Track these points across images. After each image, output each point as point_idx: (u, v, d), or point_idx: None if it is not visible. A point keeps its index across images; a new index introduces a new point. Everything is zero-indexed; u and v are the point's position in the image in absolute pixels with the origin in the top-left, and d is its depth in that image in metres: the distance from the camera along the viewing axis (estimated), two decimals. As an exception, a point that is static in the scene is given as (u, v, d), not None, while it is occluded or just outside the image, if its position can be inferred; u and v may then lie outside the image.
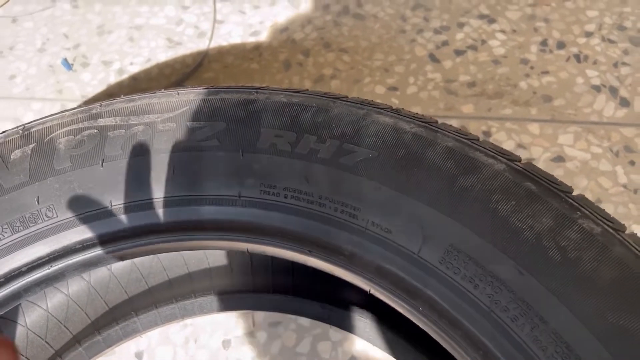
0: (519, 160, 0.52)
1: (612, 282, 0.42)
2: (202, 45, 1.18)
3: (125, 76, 1.15)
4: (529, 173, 0.50)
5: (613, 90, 0.97)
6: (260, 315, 0.83)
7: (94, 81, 1.15)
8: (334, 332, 0.80)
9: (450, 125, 0.57)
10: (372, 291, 0.53)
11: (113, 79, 1.15)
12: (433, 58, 1.06)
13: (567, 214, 0.45)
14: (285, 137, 0.53)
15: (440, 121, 0.56)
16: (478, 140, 0.54)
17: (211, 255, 0.85)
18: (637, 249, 0.45)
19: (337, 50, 1.11)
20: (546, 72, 1.01)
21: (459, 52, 1.07)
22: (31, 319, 0.82)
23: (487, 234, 0.46)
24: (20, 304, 0.81)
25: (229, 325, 0.83)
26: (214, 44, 1.17)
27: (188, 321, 0.84)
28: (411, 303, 0.50)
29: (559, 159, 0.90)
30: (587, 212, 0.47)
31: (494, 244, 0.45)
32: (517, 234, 0.45)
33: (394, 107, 0.58)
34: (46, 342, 0.81)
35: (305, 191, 0.52)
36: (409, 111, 0.57)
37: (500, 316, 0.45)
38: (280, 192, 0.53)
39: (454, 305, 0.47)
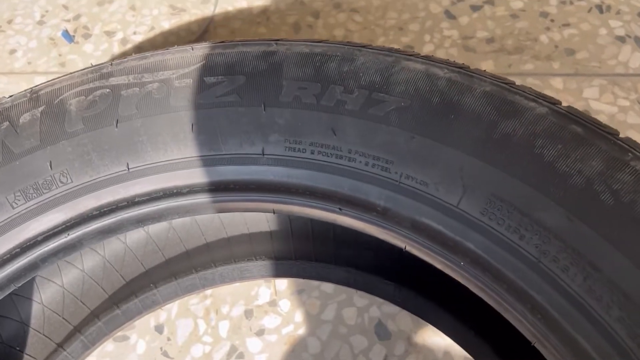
0: (560, 103, 0.49)
1: (671, 225, 0.40)
2: (207, 11, 1.14)
3: (129, 46, 1.11)
4: (573, 116, 0.47)
5: (639, 41, 0.93)
6: (282, 283, 0.81)
7: (97, 52, 1.11)
8: (359, 298, 0.78)
9: (484, 70, 0.54)
10: (408, 248, 0.51)
11: (117, 49, 1.11)
12: (449, 14, 1.03)
13: (617, 156, 0.43)
14: (309, 88, 0.51)
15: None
16: (515, 84, 0.51)
17: (229, 225, 0.83)
18: (695, 191, 0.42)
19: (348, 10, 1.07)
20: (567, 25, 0.98)
21: (475, 7, 1.03)
22: (47, 295, 0.81)
23: (532, 180, 0.44)
24: (35, 281, 0.79)
25: (250, 294, 0.81)
26: (219, 9, 1.14)
27: (208, 292, 0.82)
28: (451, 258, 0.49)
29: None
30: (638, 153, 0.44)
31: (540, 191, 0.43)
32: (565, 179, 0.43)
33: (422, 54, 0.55)
34: (64, 318, 0.80)
35: (333, 145, 0.50)
36: (440, 57, 0.54)
37: (550, 267, 0.43)
38: (306, 148, 0.51)
39: (498, 258, 0.46)
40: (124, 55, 1.10)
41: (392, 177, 0.49)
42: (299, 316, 0.78)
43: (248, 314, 0.79)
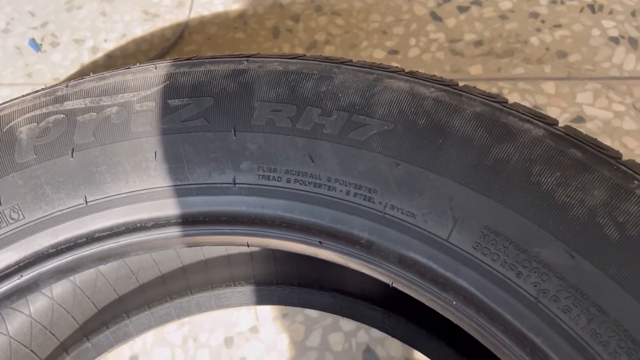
0: (557, 123, 0.46)
1: (684, 262, 0.37)
2: (181, 16, 1.10)
3: (99, 54, 1.06)
4: (572, 137, 0.44)
5: (633, 42, 0.90)
6: (264, 307, 0.76)
7: (66, 62, 1.06)
8: (346, 322, 0.74)
9: (474, 87, 0.49)
10: (395, 284, 0.47)
11: (87, 58, 1.06)
12: (435, 16, 0.99)
13: (622, 183, 0.40)
14: (283, 111, 0.47)
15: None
16: (507, 102, 0.47)
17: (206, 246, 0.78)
18: None
19: (330, 13, 1.03)
20: (559, 26, 0.95)
21: (462, 9, 0.99)
22: (13, 326, 0.76)
23: (529, 212, 0.40)
24: (-1, 311, 0.74)
25: (230, 320, 0.76)
26: (195, 14, 1.09)
27: (185, 319, 0.77)
28: (442, 297, 0.45)
29: (579, 119, 0.84)
30: None
31: (538, 224, 0.40)
32: (565, 210, 0.39)
33: (407, 70, 0.50)
34: (31, 350, 0.75)
35: (310, 173, 0.47)
36: (425, 73, 0.50)
37: (550, 307, 0.40)
38: (281, 176, 0.48)
39: (494, 297, 0.42)
40: (93, 64, 1.05)
41: (376, 208, 0.45)
42: (282, 343, 0.74)
43: (228, 341, 0.75)
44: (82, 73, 1.04)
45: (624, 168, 0.41)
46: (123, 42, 1.06)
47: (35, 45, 1.07)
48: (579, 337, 0.39)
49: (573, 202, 0.39)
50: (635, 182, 0.40)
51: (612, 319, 0.37)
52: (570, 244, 0.39)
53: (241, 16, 1.05)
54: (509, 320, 0.42)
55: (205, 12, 1.08)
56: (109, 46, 1.07)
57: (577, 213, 0.39)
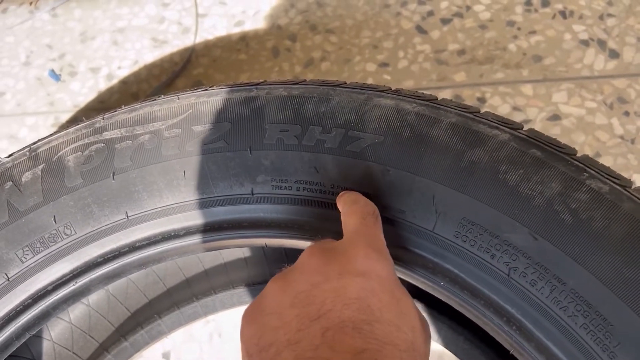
0: (521, 127, 0.52)
1: (625, 238, 0.43)
2: (187, 41, 1.16)
3: (114, 81, 1.14)
4: (533, 139, 0.50)
5: (601, 43, 0.97)
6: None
7: (84, 89, 1.14)
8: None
9: (450, 100, 0.57)
10: (393, 271, 0.54)
11: (103, 85, 1.14)
12: (420, 29, 1.06)
13: (574, 176, 0.46)
14: (290, 130, 0.53)
15: (434, 92, 0.56)
16: (479, 112, 0.54)
17: (224, 251, 0.86)
18: (646, 203, 0.45)
19: (324, 31, 1.10)
20: (533, 32, 1.01)
21: (445, 21, 1.06)
22: (55, 332, 0.83)
23: (498, 204, 0.46)
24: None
25: (251, 316, 0.84)
26: (200, 38, 1.16)
27: (210, 317, 0.85)
28: (432, 279, 0.51)
29: (555, 117, 0.91)
30: (593, 172, 0.47)
31: (506, 213, 0.46)
32: (528, 201, 0.45)
33: (393, 88, 0.58)
34: (74, 353, 0.83)
35: (316, 182, 0.53)
36: (409, 90, 0.58)
37: (519, 282, 0.46)
38: (292, 185, 0.54)
39: (474, 276, 0.48)
40: (109, 91, 1.14)
41: (372, 208, 0.52)
42: (298, 333, 0.81)
43: (250, 335, 0.82)
44: (100, 99, 1.12)
45: (576, 163, 0.48)
46: (135, 68, 1.14)
47: (55, 75, 1.15)
48: (544, 305, 0.44)
49: (534, 194, 0.45)
50: (585, 174, 0.46)
51: (569, 287, 0.43)
52: (533, 228, 0.44)
53: (243, 38, 1.13)
54: (487, 295, 0.47)
55: (210, 36, 1.15)
56: (123, 73, 1.14)
57: (538, 203, 0.45)
